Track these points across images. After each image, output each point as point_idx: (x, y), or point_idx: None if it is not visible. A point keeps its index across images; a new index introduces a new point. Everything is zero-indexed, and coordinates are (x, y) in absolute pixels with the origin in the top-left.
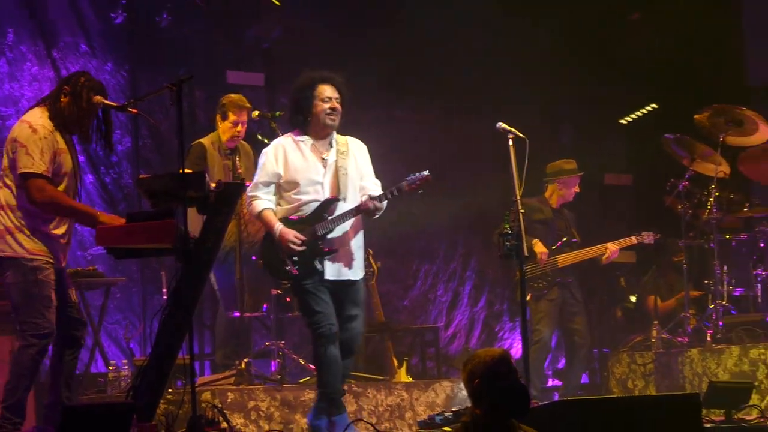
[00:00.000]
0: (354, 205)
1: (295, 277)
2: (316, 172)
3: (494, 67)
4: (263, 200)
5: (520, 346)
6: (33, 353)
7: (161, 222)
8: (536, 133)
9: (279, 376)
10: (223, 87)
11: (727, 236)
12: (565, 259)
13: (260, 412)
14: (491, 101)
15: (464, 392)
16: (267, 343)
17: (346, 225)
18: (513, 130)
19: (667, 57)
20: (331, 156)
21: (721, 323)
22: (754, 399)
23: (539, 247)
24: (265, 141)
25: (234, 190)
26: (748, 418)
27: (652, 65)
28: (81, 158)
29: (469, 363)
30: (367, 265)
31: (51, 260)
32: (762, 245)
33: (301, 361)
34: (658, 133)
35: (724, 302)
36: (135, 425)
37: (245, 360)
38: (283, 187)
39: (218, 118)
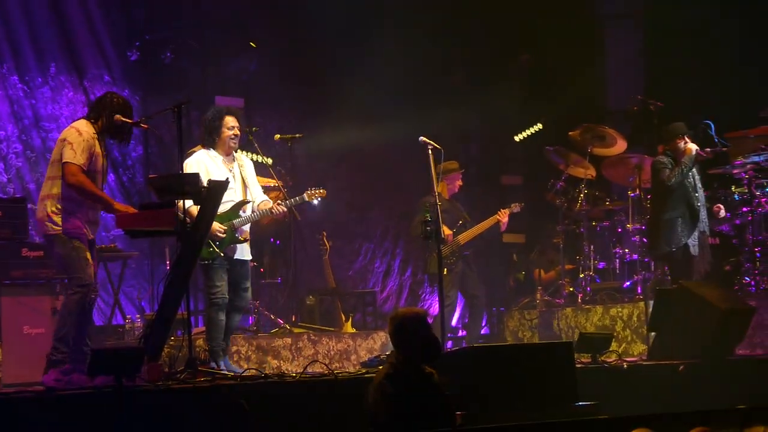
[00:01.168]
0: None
1: (213, 257)
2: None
3: (417, 95)
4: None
5: (436, 305)
6: (77, 298)
7: (165, 210)
8: (449, 145)
9: (255, 328)
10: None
11: (594, 223)
12: (465, 236)
13: (240, 355)
14: (414, 120)
15: None
16: None
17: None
18: (431, 142)
19: (549, 87)
20: (235, 168)
21: (588, 289)
22: (613, 346)
23: (446, 230)
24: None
25: (220, 186)
26: (609, 360)
27: (538, 93)
28: None
29: (394, 318)
30: (321, 243)
31: (83, 232)
32: (619, 230)
33: (271, 316)
34: (542, 145)
35: (591, 273)
36: (146, 363)
37: None
38: None
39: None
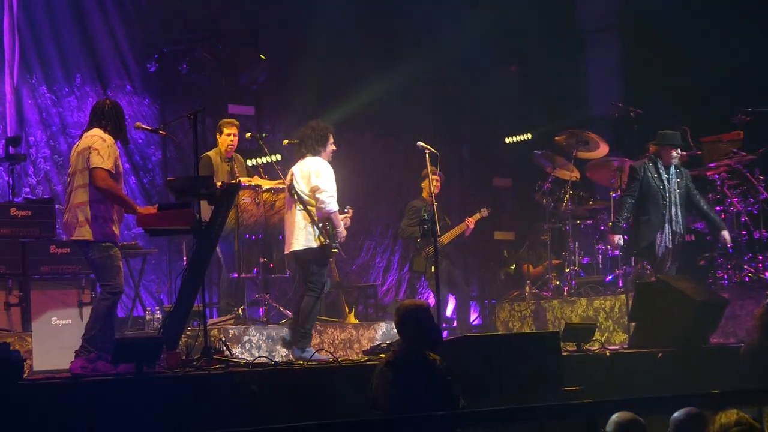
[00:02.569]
0: None
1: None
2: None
3: (414, 104)
4: None
5: (431, 298)
6: (107, 304)
7: (182, 210)
8: (444, 149)
9: (265, 319)
10: (225, 116)
11: (578, 222)
12: (446, 237)
13: (252, 344)
14: (411, 127)
15: (395, 330)
16: (257, 296)
17: None
18: (429, 146)
19: (535, 95)
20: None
21: (573, 282)
22: (597, 335)
23: None
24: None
25: (232, 188)
26: (592, 348)
27: (525, 101)
28: (126, 166)
29: (399, 309)
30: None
31: (115, 239)
32: (602, 228)
33: (280, 308)
34: (530, 150)
35: (575, 268)
36: (164, 352)
37: (241, 307)
38: None
39: (217, 135)
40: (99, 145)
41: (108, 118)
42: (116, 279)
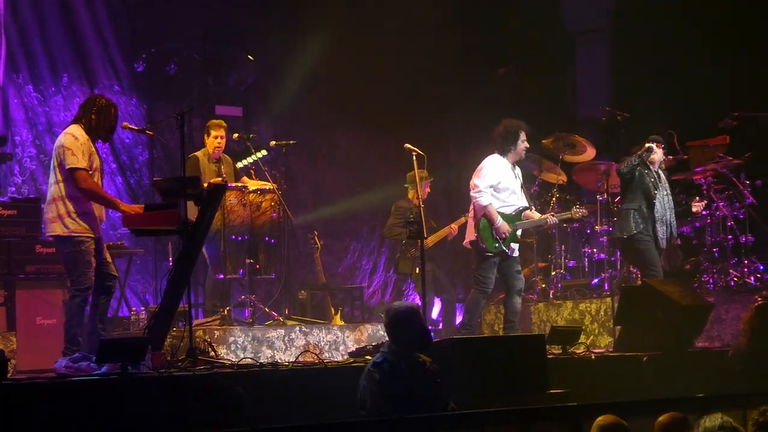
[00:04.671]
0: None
1: (497, 251)
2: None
3: (401, 105)
4: None
5: (418, 300)
6: (78, 301)
7: (169, 211)
8: (430, 151)
9: (251, 320)
10: (213, 117)
11: (564, 225)
12: (431, 239)
13: (237, 345)
14: (398, 128)
15: (381, 332)
16: (242, 297)
17: None
18: (415, 149)
19: (524, 96)
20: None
21: (560, 285)
22: (582, 338)
23: None
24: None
25: (219, 189)
26: (578, 351)
27: (514, 103)
28: (113, 166)
29: (389, 311)
30: (313, 242)
31: (91, 235)
32: (588, 231)
33: (266, 309)
34: None
35: (561, 271)
36: (149, 353)
37: (227, 308)
38: None
39: (205, 137)
40: (71, 144)
41: (90, 114)
42: (85, 275)
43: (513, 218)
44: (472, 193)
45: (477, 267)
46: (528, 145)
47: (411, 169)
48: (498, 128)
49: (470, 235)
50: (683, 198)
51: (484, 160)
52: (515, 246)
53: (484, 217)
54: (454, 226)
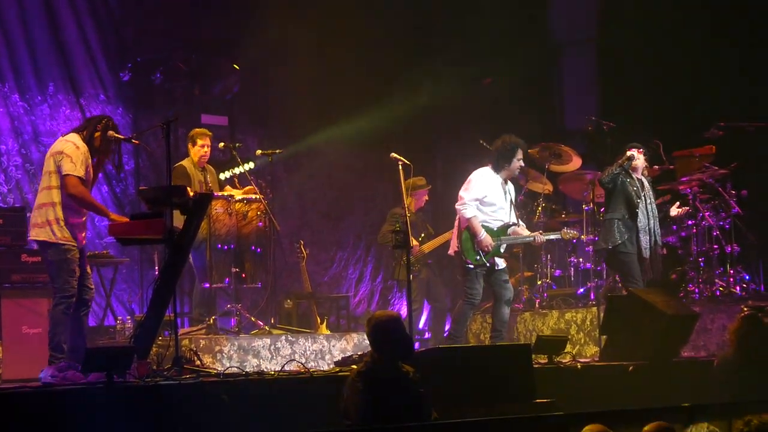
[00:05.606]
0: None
1: (478, 264)
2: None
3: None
4: None
5: (404, 309)
6: (62, 308)
7: (155, 220)
8: (417, 161)
9: (237, 329)
10: (198, 126)
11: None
12: (428, 246)
13: (223, 354)
14: (385, 138)
15: (367, 341)
16: (228, 306)
17: None
18: (402, 158)
19: (510, 106)
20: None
21: (545, 295)
22: (568, 348)
23: (413, 241)
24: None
25: (205, 198)
26: (564, 361)
27: (499, 113)
28: (99, 175)
29: (371, 320)
30: (299, 251)
31: (75, 244)
32: (574, 241)
33: (252, 318)
34: None
35: (547, 280)
36: (135, 362)
37: (213, 317)
38: None
39: (189, 146)
40: (71, 152)
41: (94, 129)
42: (69, 282)
43: (498, 233)
44: (457, 205)
45: (463, 279)
46: (523, 164)
47: (406, 178)
48: (496, 143)
49: (454, 246)
50: (668, 208)
51: (473, 173)
52: (500, 261)
53: (468, 229)
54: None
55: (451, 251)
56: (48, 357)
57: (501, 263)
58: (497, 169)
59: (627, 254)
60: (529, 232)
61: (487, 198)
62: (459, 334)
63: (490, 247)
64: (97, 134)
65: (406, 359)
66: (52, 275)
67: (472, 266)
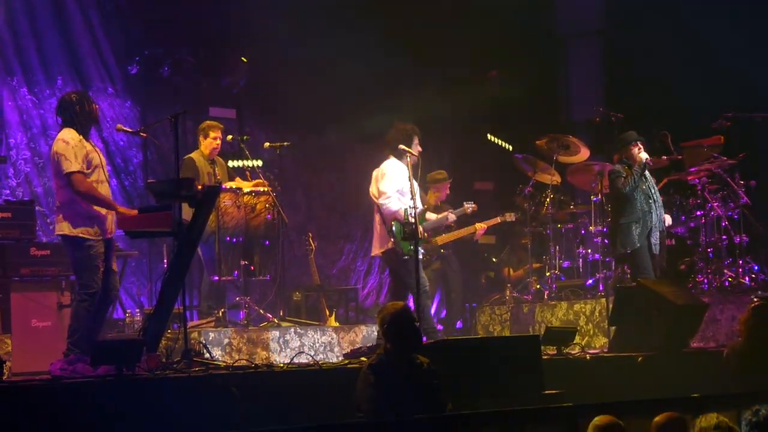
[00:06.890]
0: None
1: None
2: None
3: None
4: None
5: (411, 301)
6: (86, 306)
7: (163, 213)
8: (425, 153)
9: (245, 322)
10: (207, 119)
11: (559, 225)
12: (442, 239)
13: (232, 347)
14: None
15: (375, 333)
16: (237, 299)
17: None
18: (410, 150)
19: (518, 99)
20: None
21: (554, 286)
22: (577, 339)
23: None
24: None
25: (213, 191)
26: (572, 352)
27: (506, 105)
28: (108, 168)
29: (382, 312)
30: (307, 244)
31: (99, 237)
32: (582, 232)
33: (261, 311)
34: (511, 153)
35: (556, 271)
36: (144, 354)
37: (222, 310)
38: None
39: (201, 138)
40: (63, 149)
41: (72, 111)
42: (93, 279)
43: (420, 220)
44: (379, 200)
45: (405, 273)
46: (421, 149)
47: (430, 171)
48: (391, 132)
49: (382, 245)
50: (678, 199)
51: (384, 165)
52: (421, 249)
53: (397, 221)
54: (483, 225)
55: (376, 252)
56: (64, 350)
57: (421, 251)
58: (400, 157)
59: (642, 255)
60: (438, 215)
61: (403, 188)
62: (430, 328)
63: (422, 234)
64: (78, 110)
65: (416, 350)
66: (75, 271)
67: (407, 258)
